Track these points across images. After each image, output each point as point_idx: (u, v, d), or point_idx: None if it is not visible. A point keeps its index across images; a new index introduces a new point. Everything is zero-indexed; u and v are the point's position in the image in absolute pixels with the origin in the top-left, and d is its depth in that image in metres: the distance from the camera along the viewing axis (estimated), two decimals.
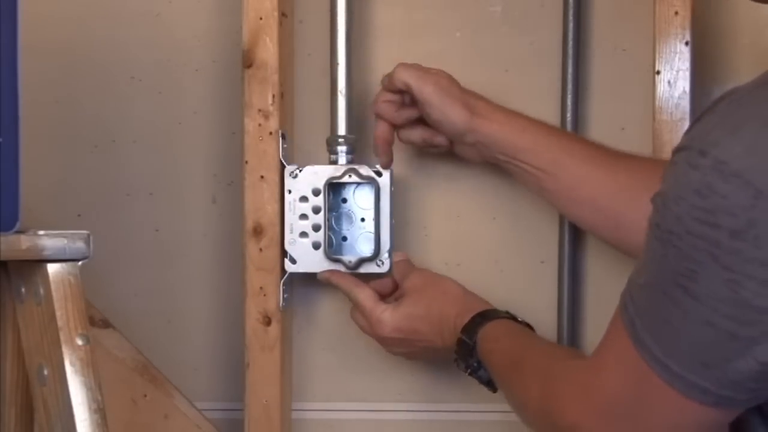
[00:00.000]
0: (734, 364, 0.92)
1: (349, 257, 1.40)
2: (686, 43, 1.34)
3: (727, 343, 0.92)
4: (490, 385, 1.28)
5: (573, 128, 1.42)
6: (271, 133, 1.39)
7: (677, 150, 0.94)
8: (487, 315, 1.30)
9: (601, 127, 1.44)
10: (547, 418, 1.08)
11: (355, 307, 1.38)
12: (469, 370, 1.29)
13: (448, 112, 1.34)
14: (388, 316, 1.35)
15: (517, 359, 1.20)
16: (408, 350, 1.38)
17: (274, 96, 1.39)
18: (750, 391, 0.94)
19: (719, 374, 0.93)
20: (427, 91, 1.34)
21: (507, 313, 1.31)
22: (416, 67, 1.36)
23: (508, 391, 1.22)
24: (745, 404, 0.96)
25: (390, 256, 1.40)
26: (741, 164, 0.89)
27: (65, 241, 0.97)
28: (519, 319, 1.31)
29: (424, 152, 1.45)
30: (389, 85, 1.36)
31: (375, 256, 1.40)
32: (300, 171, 1.40)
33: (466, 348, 1.28)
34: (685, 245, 0.92)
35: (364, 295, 1.37)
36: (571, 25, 1.42)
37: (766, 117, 0.90)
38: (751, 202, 0.88)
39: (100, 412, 0.96)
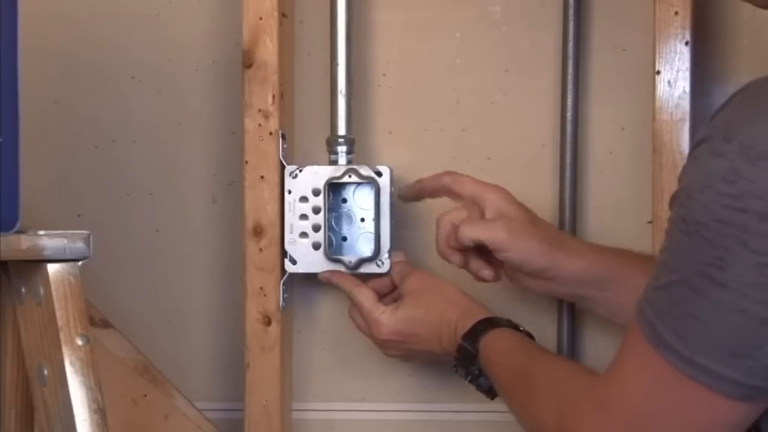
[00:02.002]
0: (766, 350, 0.92)
1: (349, 257, 1.40)
2: (686, 43, 1.34)
3: (758, 328, 0.92)
4: (490, 392, 1.27)
5: (573, 128, 1.42)
6: (271, 133, 1.39)
7: (697, 144, 0.94)
8: (489, 323, 1.28)
9: (601, 128, 1.44)
10: None
11: (354, 307, 1.38)
12: (469, 377, 1.28)
13: (527, 255, 1.29)
14: (386, 318, 1.34)
15: (527, 375, 1.18)
16: (404, 353, 1.37)
17: (274, 96, 1.39)
18: None
19: (751, 362, 0.93)
20: (500, 239, 1.29)
21: (509, 321, 1.31)
22: (479, 221, 1.31)
23: (518, 407, 1.19)
24: None
25: (390, 256, 1.40)
26: (767, 147, 0.89)
27: (65, 241, 0.97)
28: (521, 329, 1.30)
29: (424, 152, 1.45)
30: (454, 242, 1.31)
31: (375, 256, 1.40)
32: (300, 171, 1.40)
33: (468, 355, 1.27)
34: (713, 234, 0.92)
35: (364, 296, 1.37)
36: (571, 25, 1.42)
37: None
38: None
39: (100, 412, 0.96)
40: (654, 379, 0.97)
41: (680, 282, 0.95)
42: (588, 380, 1.08)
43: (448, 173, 1.35)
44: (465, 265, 1.34)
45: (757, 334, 0.92)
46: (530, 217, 1.32)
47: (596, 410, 1.03)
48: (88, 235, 0.98)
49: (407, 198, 1.40)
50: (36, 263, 0.98)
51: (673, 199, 0.96)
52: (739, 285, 0.91)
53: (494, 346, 1.26)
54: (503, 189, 1.33)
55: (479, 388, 1.28)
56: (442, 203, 1.45)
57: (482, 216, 1.32)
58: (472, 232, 1.29)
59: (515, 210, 1.32)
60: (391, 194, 1.39)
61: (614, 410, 1.01)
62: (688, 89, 1.34)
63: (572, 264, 1.30)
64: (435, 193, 1.37)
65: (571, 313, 1.43)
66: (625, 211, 1.43)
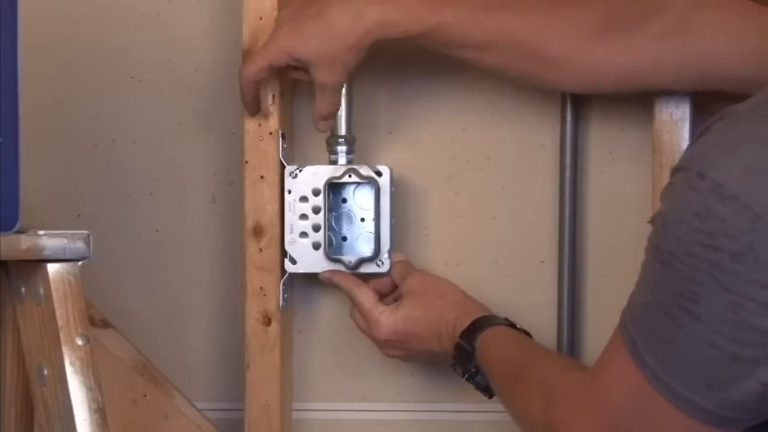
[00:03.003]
0: (738, 386, 0.93)
1: (349, 257, 1.40)
2: None
3: (730, 364, 0.92)
4: (487, 390, 1.28)
5: (573, 128, 1.42)
6: (271, 133, 1.39)
7: (676, 170, 0.94)
8: (486, 321, 1.30)
9: (601, 127, 1.44)
10: (549, 430, 1.08)
11: (355, 306, 1.38)
12: (466, 376, 1.29)
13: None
14: (385, 318, 1.35)
15: (518, 370, 1.20)
16: (404, 353, 1.38)
17: (273, 96, 1.39)
18: (752, 411, 0.95)
19: (723, 395, 0.94)
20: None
21: (506, 320, 1.31)
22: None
23: (509, 401, 1.22)
24: (747, 423, 0.97)
25: (390, 256, 1.40)
26: (738, 187, 0.89)
27: (65, 241, 0.97)
28: (518, 327, 1.31)
29: (424, 152, 1.45)
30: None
31: (375, 256, 1.40)
32: (300, 171, 1.40)
33: (465, 353, 1.28)
34: (686, 267, 0.92)
35: (364, 296, 1.37)
36: None
37: (763, 138, 0.91)
38: (749, 225, 0.88)
39: (100, 412, 0.96)
40: (634, 389, 0.98)
41: (657, 307, 0.96)
42: (576, 377, 1.09)
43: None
44: None
45: (728, 369, 0.93)
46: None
47: (581, 408, 1.04)
48: (88, 235, 0.99)
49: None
50: (36, 263, 0.98)
51: (652, 221, 0.96)
52: (712, 320, 0.92)
53: (490, 343, 1.27)
54: None
55: (476, 386, 1.29)
56: (441, 203, 1.45)
57: None
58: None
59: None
60: (392, 194, 1.39)
61: (598, 411, 1.03)
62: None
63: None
64: None
65: (571, 304, 1.43)
66: (624, 211, 1.43)
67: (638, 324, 0.98)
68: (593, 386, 1.04)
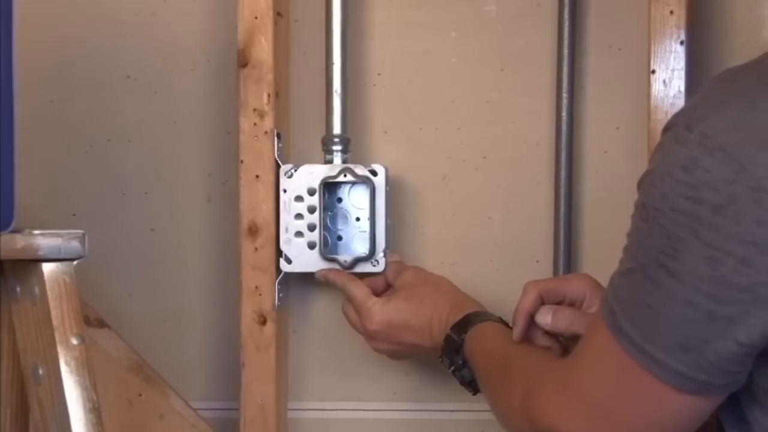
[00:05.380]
0: (713, 345, 0.93)
1: (345, 256, 1.41)
2: (681, 43, 1.34)
3: (706, 323, 0.93)
4: (472, 385, 1.28)
5: (568, 127, 1.43)
6: (266, 133, 1.39)
7: (665, 129, 0.96)
8: (478, 316, 1.30)
9: (596, 127, 1.44)
10: (527, 420, 1.08)
11: (348, 300, 1.38)
12: (452, 368, 1.29)
13: None
14: (378, 308, 1.35)
15: (503, 362, 1.20)
16: (393, 347, 1.37)
17: (269, 95, 1.39)
18: (728, 374, 0.95)
19: (697, 356, 0.94)
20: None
21: (499, 318, 1.32)
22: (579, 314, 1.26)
23: (491, 392, 1.22)
24: (721, 391, 0.97)
25: (385, 255, 1.40)
26: (725, 138, 0.90)
27: (60, 240, 0.97)
28: (510, 326, 1.31)
29: (419, 151, 1.45)
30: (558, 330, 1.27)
31: (370, 255, 1.40)
32: (295, 170, 1.41)
33: (454, 345, 1.29)
34: (669, 222, 0.93)
35: (358, 289, 1.37)
36: (566, 25, 1.42)
37: (752, 95, 0.92)
38: (733, 176, 0.89)
39: (96, 411, 0.96)
40: (612, 366, 0.98)
41: (638, 269, 0.96)
42: (555, 364, 1.10)
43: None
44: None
45: (704, 328, 0.93)
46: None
47: (558, 392, 1.05)
48: (83, 235, 0.99)
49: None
50: (31, 263, 0.98)
51: (639, 184, 0.97)
52: (691, 277, 0.92)
53: (479, 337, 1.27)
54: (589, 276, 1.29)
55: (462, 380, 1.29)
56: (437, 202, 1.46)
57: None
58: (575, 326, 1.24)
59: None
60: (387, 193, 1.40)
61: (575, 393, 1.03)
62: (683, 89, 1.34)
63: None
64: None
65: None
66: (619, 210, 1.42)
67: (618, 293, 0.98)
68: (571, 370, 1.04)
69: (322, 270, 1.41)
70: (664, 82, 1.35)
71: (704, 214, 0.90)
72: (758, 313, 0.91)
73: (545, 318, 1.24)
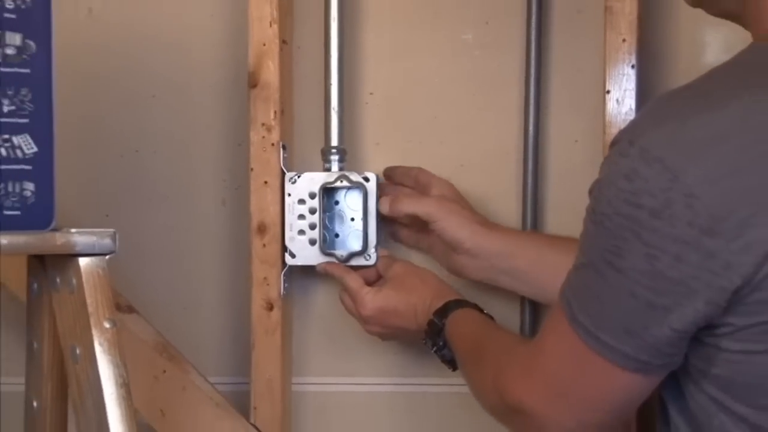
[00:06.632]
0: (652, 331, 0.93)
1: (341, 251, 1.40)
2: (632, 66, 1.34)
3: (646, 311, 0.93)
4: (451, 363, 1.28)
5: (534, 141, 1.42)
6: (273, 144, 1.39)
7: (612, 144, 0.96)
8: (457, 303, 1.30)
9: (557, 140, 1.44)
10: (498, 397, 1.08)
11: (344, 289, 1.38)
12: (434, 348, 1.29)
13: (452, 225, 1.34)
14: (371, 296, 1.35)
15: (478, 345, 1.20)
16: (383, 330, 1.37)
17: (275, 112, 1.39)
18: (665, 356, 0.96)
19: (639, 340, 0.94)
20: (430, 211, 1.35)
21: (476, 305, 1.32)
22: (415, 197, 1.37)
23: (468, 371, 1.22)
24: (660, 370, 0.97)
25: (376, 250, 1.40)
26: (661, 152, 0.90)
27: (94, 238, 0.97)
28: (484, 312, 1.31)
29: (406, 160, 1.45)
30: (396, 213, 1.37)
31: (363, 250, 1.40)
32: (298, 177, 1.40)
33: (435, 328, 1.29)
34: (613, 225, 0.93)
35: (353, 280, 1.37)
36: (533, 50, 1.42)
37: (684, 114, 0.92)
38: (668, 184, 0.89)
39: (125, 386, 0.96)
40: (569, 351, 0.99)
41: (589, 266, 0.96)
42: (521, 348, 1.10)
43: (418, 169, 1.42)
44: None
45: (644, 316, 0.93)
46: (463, 202, 1.39)
47: (524, 374, 1.05)
48: (114, 233, 0.99)
49: (390, 178, 1.44)
50: (69, 257, 0.98)
51: (590, 191, 0.97)
52: (633, 272, 0.92)
53: (458, 321, 1.27)
54: (448, 181, 1.40)
55: (443, 358, 1.29)
56: None
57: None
58: (407, 206, 1.36)
59: (452, 195, 1.39)
60: (377, 197, 1.39)
61: (538, 374, 1.03)
62: (634, 107, 1.34)
63: (490, 238, 1.33)
64: (404, 175, 1.42)
65: (533, 304, 1.43)
66: (579, 211, 1.42)
67: (573, 287, 0.99)
68: (534, 354, 1.04)
69: (321, 263, 1.41)
70: (617, 100, 1.35)
71: (643, 218, 0.90)
72: (690, 303, 0.91)
73: (384, 207, 1.38)
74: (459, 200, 1.39)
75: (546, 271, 1.29)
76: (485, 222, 1.37)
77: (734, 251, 0.89)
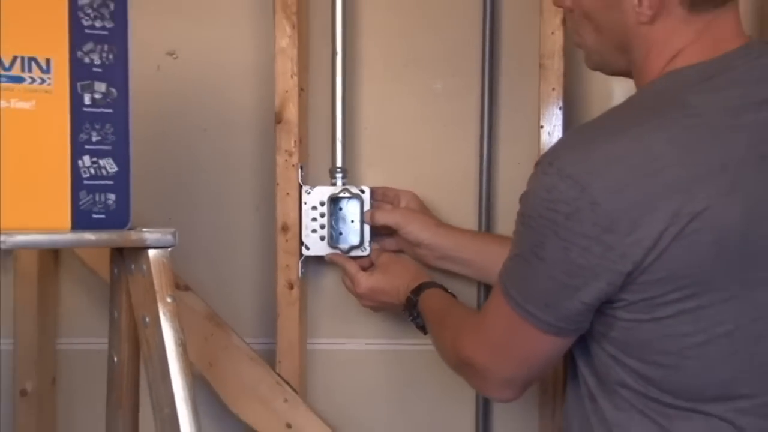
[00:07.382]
0: (566, 304, 0.94)
1: (344, 246, 1.41)
2: (560, 108, 1.35)
3: (561, 289, 0.93)
4: (423, 329, 1.28)
5: (488, 164, 1.42)
6: (293, 165, 1.39)
7: (537, 164, 0.95)
8: (428, 284, 1.30)
9: (505, 163, 1.44)
10: (454, 354, 1.08)
11: (344, 274, 1.38)
12: (411, 317, 1.30)
13: (415, 229, 1.34)
14: (365, 279, 1.35)
15: (442, 317, 1.20)
16: (374, 304, 1.37)
17: (295, 141, 1.39)
18: (576, 323, 0.96)
19: (556, 311, 0.95)
20: (398, 221, 1.35)
21: (443, 286, 1.32)
22: (387, 210, 1.37)
23: (435, 336, 1.22)
24: (572, 333, 0.97)
25: (370, 244, 1.40)
26: (573, 170, 0.90)
27: (160, 235, 0.97)
28: (449, 291, 1.31)
29: (392, 178, 1.45)
30: (375, 223, 1.37)
31: (360, 244, 1.40)
32: (312, 190, 1.41)
33: (412, 303, 1.29)
34: (537, 225, 0.93)
35: (352, 267, 1.37)
36: (486, 96, 1.43)
37: (591, 141, 0.92)
38: (578, 195, 0.89)
39: (183, 346, 0.96)
40: (505, 318, 0.98)
41: (519, 255, 0.96)
42: (471, 319, 1.10)
43: (385, 188, 1.41)
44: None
45: (560, 293, 0.93)
46: (424, 209, 1.38)
47: (472, 336, 1.05)
48: (175, 232, 0.99)
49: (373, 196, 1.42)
50: (141, 249, 0.98)
51: (520, 200, 0.97)
52: (552, 260, 0.92)
53: (428, 298, 1.27)
54: (412, 192, 1.39)
55: (417, 326, 1.29)
56: None
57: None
58: (381, 218, 1.35)
59: (416, 204, 1.38)
60: (371, 204, 1.40)
61: (482, 336, 1.03)
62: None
63: (446, 239, 1.32)
64: (380, 194, 1.41)
65: (486, 286, 1.42)
66: None
67: (508, 272, 0.99)
68: (480, 320, 1.05)
69: (329, 254, 1.41)
70: (548, 133, 1.35)
71: (560, 220, 0.90)
72: (595, 284, 0.92)
73: (367, 218, 1.37)
74: (421, 207, 1.38)
75: (488, 260, 1.30)
76: (441, 224, 1.37)
77: (627, 244, 0.89)
